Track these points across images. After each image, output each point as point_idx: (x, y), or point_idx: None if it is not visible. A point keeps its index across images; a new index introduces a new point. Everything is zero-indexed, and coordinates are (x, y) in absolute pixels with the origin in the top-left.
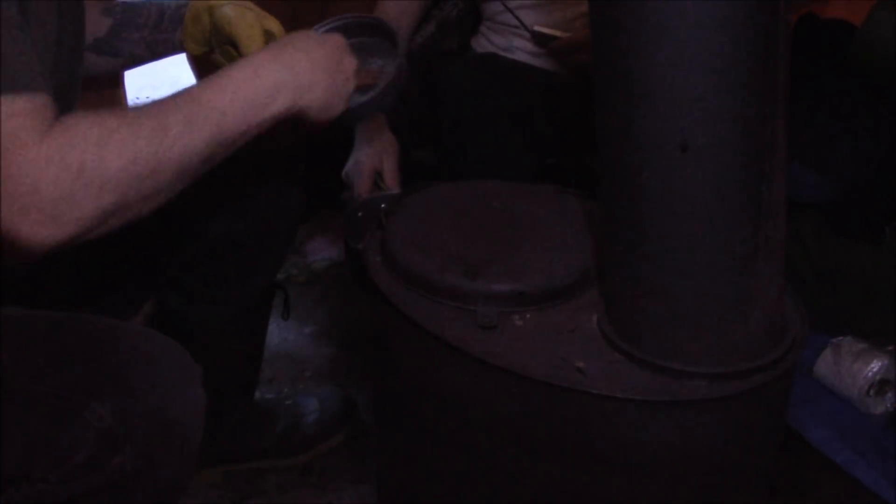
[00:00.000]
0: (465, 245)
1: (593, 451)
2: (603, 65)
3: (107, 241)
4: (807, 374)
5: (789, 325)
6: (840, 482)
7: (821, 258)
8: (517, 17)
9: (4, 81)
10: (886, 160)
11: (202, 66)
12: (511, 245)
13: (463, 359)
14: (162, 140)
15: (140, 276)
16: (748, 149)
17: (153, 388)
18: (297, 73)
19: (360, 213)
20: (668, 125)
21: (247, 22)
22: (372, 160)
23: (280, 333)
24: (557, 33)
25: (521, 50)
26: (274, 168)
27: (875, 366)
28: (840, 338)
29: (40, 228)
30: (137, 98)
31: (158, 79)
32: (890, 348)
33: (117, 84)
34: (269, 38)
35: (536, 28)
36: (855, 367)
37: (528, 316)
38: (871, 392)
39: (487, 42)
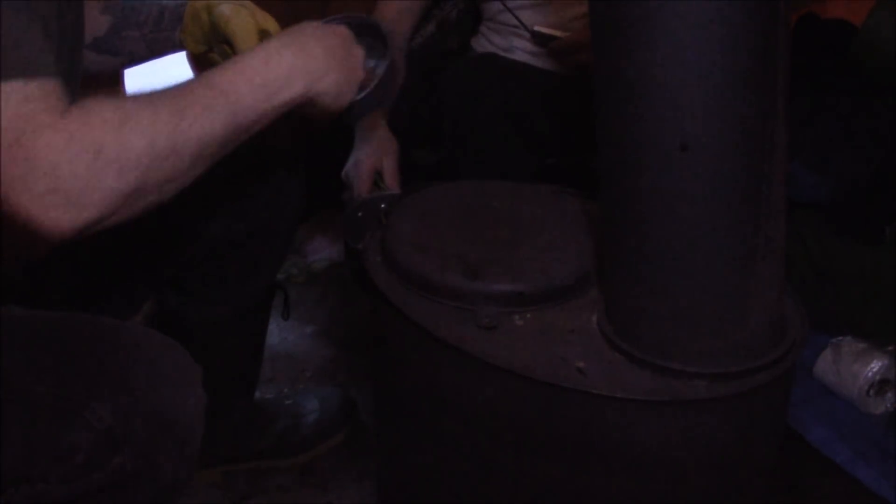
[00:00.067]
0: (465, 245)
1: (593, 451)
2: (603, 65)
3: (107, 240)
4: (807, 374)
5: (789, 325)
6: (840, 482)
7: (821, 258)
8: (517, 17)
9: (18, 66)
10: (886, 160)
11: (202, 65)
12: (511, 245)
13: (463, 359)
14: (180, 122)
15: (140, 276)
16: (748, 149)
17: (153, 388)
18: (310, 60)
19: (360, 213)
20: (668, 125)
21: (242, 20)
22: (372, 160)
23: (280, 333)
24: (557, 33)
25: (521, 50)
26: (274, 168)
27: (875, 366)
28: (840, 338)
29: (60, 212)
30: None
31: (158, 77)
32: (890, 348)
33: (117, 83)
34: (264, 37)
35: (536, 28)
36: (855, 367)
37: (528, 316)
38: (871, 392)
39: (487, 42)
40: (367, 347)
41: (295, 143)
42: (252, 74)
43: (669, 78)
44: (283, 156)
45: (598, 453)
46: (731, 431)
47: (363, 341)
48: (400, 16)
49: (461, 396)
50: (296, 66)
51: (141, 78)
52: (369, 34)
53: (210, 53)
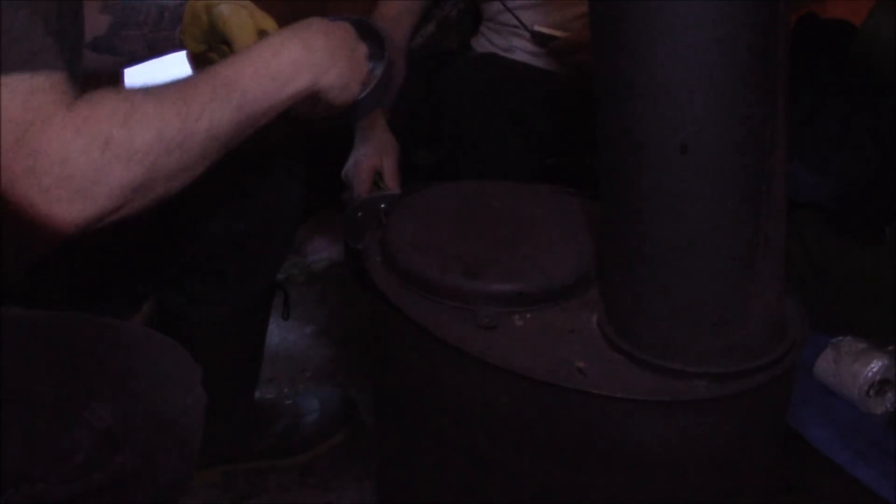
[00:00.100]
0: (464, 245)
1: (593, 451)
2: (603, 65)
3: (107, 240)
4: (807, 374)
5: (789, 325)
6: (840, 482)
7: (821, 258)
8: (517, 17)
9: (23, 59)
10: (886, 160)
11: (201, 64)
12: (511, 245)
13: (463, 359)
14: (187, 114)
15: (140, 276)
16: (748, 149)
17: (153, 388)
18: (316, 54)
19: (359, 213)
20: (668, 125)
21: (240, 20)
22: (371, 160)
23: (280, 333)
24: (557, 33)
25: (521, 50)
26: (274, 168)
27: (875, 366)
28: (840, 338)
29: (69, 204)
30: None
31: (158, 77)
32: (890, 348)
33: (117, 82)
34: (262, 37)
35: (536, 28)
36: (855, 367)
37: (528, 316)
38: (871, 392)
39: (487, 42)
40: (367, 347)
41: (295, 144)
42: (259, 67)
43: (669, 78)
44: (284, 156)
45: (599, 453)
46: (731, 431)
47: (363, 341)
48: (400, 16)
49: (461, 396)
50: (302, 60)
51: (141, 77)
52: (367, 36)
53: (209, 53)
